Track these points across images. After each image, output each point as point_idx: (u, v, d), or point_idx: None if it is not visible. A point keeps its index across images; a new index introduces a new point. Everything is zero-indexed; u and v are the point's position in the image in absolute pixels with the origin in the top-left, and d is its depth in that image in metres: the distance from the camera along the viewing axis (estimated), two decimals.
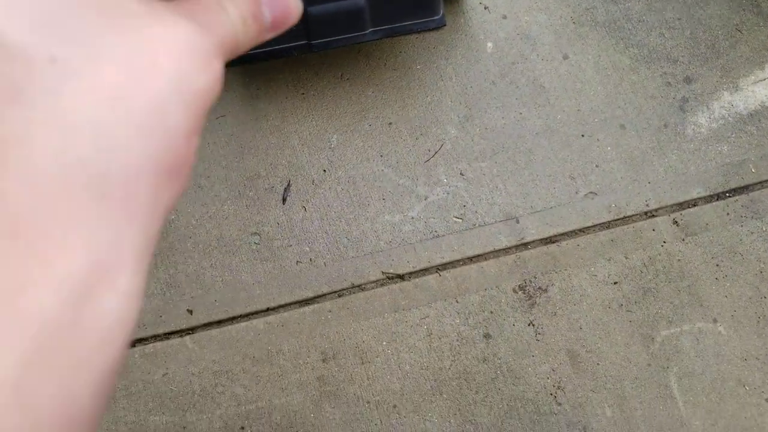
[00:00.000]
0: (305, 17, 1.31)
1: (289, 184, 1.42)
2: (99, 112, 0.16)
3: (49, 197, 0.14)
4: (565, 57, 1.50)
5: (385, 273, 1.35)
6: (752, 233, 1.37)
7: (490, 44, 1.52)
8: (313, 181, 1.42)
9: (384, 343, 1.30)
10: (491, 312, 1.32)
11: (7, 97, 0.15)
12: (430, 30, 1.40)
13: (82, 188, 0.15)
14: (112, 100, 0.16)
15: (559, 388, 1.27)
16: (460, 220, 1.40)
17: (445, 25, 1.39)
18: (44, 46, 0.15)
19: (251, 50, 1.35)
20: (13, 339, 0.13)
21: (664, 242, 1.36)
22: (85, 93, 0.15)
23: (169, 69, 0.17)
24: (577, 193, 1.41)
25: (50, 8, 0.15)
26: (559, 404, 1.26)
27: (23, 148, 0.14)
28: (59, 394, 0.14)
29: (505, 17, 1.54)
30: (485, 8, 1.54)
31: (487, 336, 1.30)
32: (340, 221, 1.40)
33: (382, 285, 1.35)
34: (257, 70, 1.52)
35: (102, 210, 0.15)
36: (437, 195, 1.41)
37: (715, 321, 1.31)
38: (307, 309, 1.32)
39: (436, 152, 1.44)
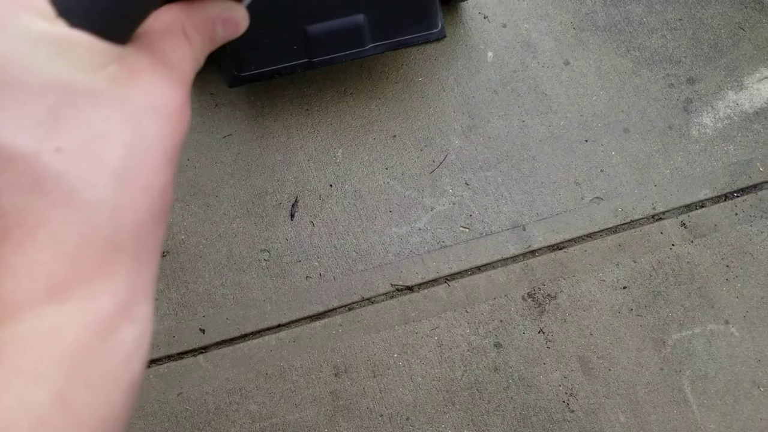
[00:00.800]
0: (304, 35, 1.33)
1: (296, 200, 1.44)
2: (106, 186, 0.19)
3: (76, 261, 0.18)
4: (567, 63, 1.50)
5: (395, 285, 1.36)
6: (762, 232, 1.36)
7: (490, 53, 1.52)
8: (320, 196, 1.44)
9: (395, 355, 1.31)
10: (501, 321, 1.32)
11: (28, 188, 0.18)
12: (430, 42, 1.41)
13: (100, 248, 0.19)
14: (116, 174, 0.19)
15: (571, 395, 1.27)
16: (467, 230, 1.40)
17: (445, 36, 1.40)
18: (49, 141, 0.18)
19: (255, 70, 1.38)
20: (56, 360, 0.18)
21: (673, 245, 1.36)
22: (92, 173, 0.19)
23: (156, 134, 0.20)
24: (582, 198, 1.41)
25: (45, 107, 0.18)
26: (572, 411, 1.26)
27: (49, 227, 0.18)
28: (95, 400, 0.18)
29: (504, 26, 1.54)
30: (485, 18, 1.55)
31: (497, 345, 1.31)
32: (348, 235, 1.41)
33: (391, 297, 1.36)
34: (261, 88, 1.54)
35: (118, 261, 0.19)
36: (443, 205, 1.42)
37: (727, 322, 1.31)
38: (318, 324, 1.33)
39: (440, 163, 1.45)
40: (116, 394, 0.19)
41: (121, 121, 0.19)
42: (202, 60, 0.24)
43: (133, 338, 0.20)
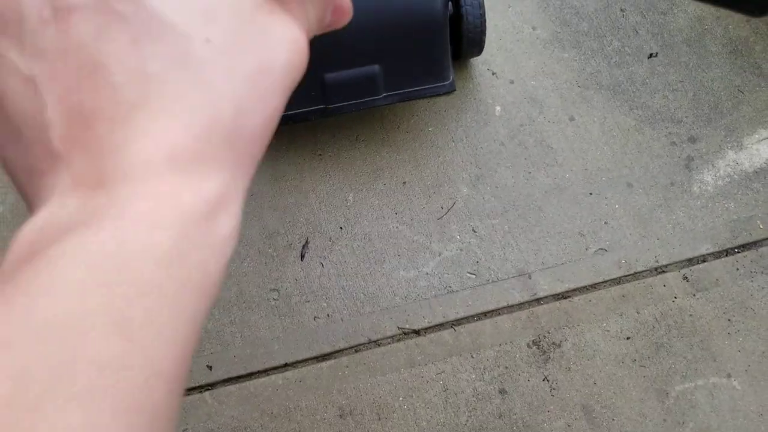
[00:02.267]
0: (322, 83, 1.39)
1: (307, 242, 1.47)
2: (239, 87, 0.22)
3: (198, 142, 0.20)
4: (572, 119, 1.56)
5: (401, 328, 1.38)
6: (763, 288, 1.39)
7: (498, 108, 1.58)
8: (330, 238, 1.47)
9: (400, 398, 1.32)
10: (506, 367, 1.34)
11: (175, 63, 0.20)
12: (440, 95, 1.47)
13: (219, 139, 0.21)
14: (250, 80, 0.22)
15: None
16: (474, 276, 1.43)
17: (454, 90, 1.46)
18: (201, 31, 0.21)
19: None
20: (171, 220, 0.19)
21: (675, 297, 1.39)
22: (229, 70, 0.21)
23: (287, 61, 0.24)
24: (587, 249, 1.44)
25: (207, 6, 0.21)
26: None
27: (185, 104, 0.20)
28: (200, 266, 0.20)
29: (512, 82, 1.61)
30: (493, 74, 1.62)
31: (502, 391, 1.31)
32: (357, 277, 1.43)
33: (398, 340, 1.37)
34: (276, 133, 1.58)
35: (228, 158, 0.21)
36: (451, 251, 1.45)
37: (729, 376, 1.32)
38: (325, 364, 1.35)
39: (449, 210, 1.49)
40: (215, 269, 0.21)
41: (263, 38, 0.23)
42: (309, 36, 0.26)
43: (229, 228, 0.21)
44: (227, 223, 0.21)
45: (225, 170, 0.21)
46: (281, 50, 0.23)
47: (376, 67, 1.41)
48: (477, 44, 1.53)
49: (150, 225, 0.19)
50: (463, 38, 1.50)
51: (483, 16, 1.46)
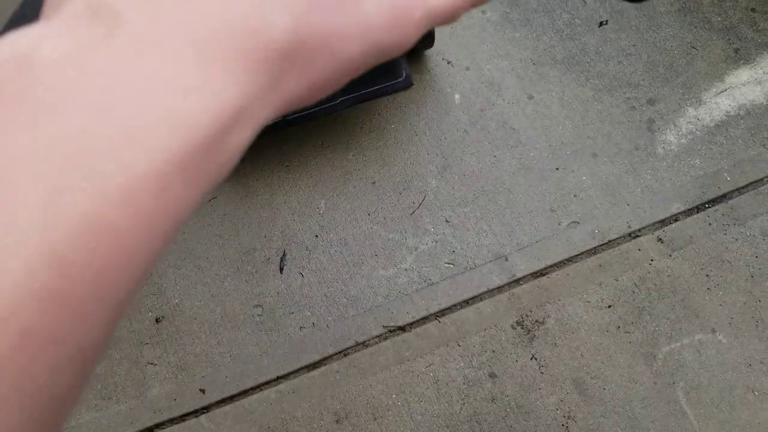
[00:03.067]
0: None
1: (284, 254, 1.48)
2: (288, 22, 0.20)
3: (214, 43, 0.19)
4: (530, 97, 1.57)
5: (386, 327, 1.39)
6: (737, 240, 1.40)
7: (457, 96, 1.59)
8: (307, 247, 1.48)
9: (393, 396, 1.33)
10: (493, 351, 1.35)
11: None
12: (398, 91, 1.48)
13: (250, 53, 0.19)
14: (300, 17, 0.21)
15: (569, 417, 1.28)
16: (452, 266, 1.44)
17: (412, 84, 1.47)
18: None
19: None
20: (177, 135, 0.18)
21: (652, 260, 1.40)
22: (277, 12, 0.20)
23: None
24: (559, 224, 1.45)
25: None
26: None
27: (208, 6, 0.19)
28: (216, 163, 0.20)
29: (468, 68, 1.62)
30: (448, 63, 1.63)
31: (492, 375, 1.33)
32: (337, 282, 1.44)
33: (384, 339, 1.38)
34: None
35: (253, 69, 0.20)
36: (427, 244, 1.46)
37: (713, 331, 1.33)
38: (316, 372, 1.36)
39: (420, 204, 1.50)
40: (217, 168, 0.20)
41: None
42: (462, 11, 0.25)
43: (240, 142, 0.21)
44: (241, 136, 0.21)
45: (252, 84, 0.20)
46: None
47: None
48: (427, 36, 1.54)
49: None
50: None
51: None
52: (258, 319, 1.42)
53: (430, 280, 1.43)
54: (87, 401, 1.34)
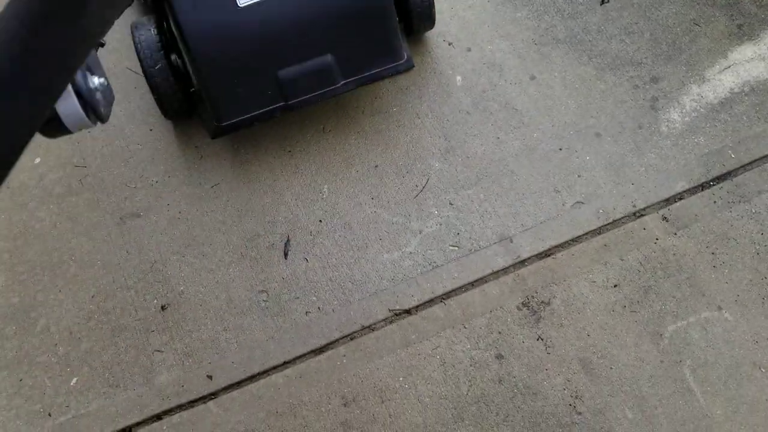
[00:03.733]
0: (276, 80, 1.39)
1: (288, 239, 1.47)
2: None
3: None
4: (533, 78, 1.56)
5: (392, 310, 1.39)
6: (742, 217, 1.40)
7: (459, 77, 1.58)
8: (311, 232, 1.48)
9: (400, 378, 1.33)
10: (500, 332, 1.35)
11: None
12: (400, 73, 1.47)
13: None
14: None
15: (576, 397, 1.28)
16: (456, 248, 1.44)
17: (413, 66, 1.46)
18: None
19: (235, 119, 1.43)
20: None
21: (657, 239, 1.39)
22: None
23: None
24: (564, 204, 1.45)
25: None
26: (579, 413, 1.27)
27: None
28: None
29: (469, 50, 1.60)
30: (449, 44, 1.61)
31: (499, 357, 1.33)
32: (342, 266, 1.44)
33: (390, 322, 1.38)
34: (244, 136, 1.59)
35: None
36: (431, 227, 1.46)
37: (719, 308, 1.33)
38: (323, 357, 1.36)
39: (423, 187, 1.50)
40: None
41: None
42: None
43: None
44: None
45: None
46: None
47: (329, 57, 1.41)
48: (427, 18, 1.52)
49: None
50: (412, 14, 1.49)
51: None
52: (263, 304, 1.42)
53: (434, 262, 1.42)
54: (95, 389, 1.34)
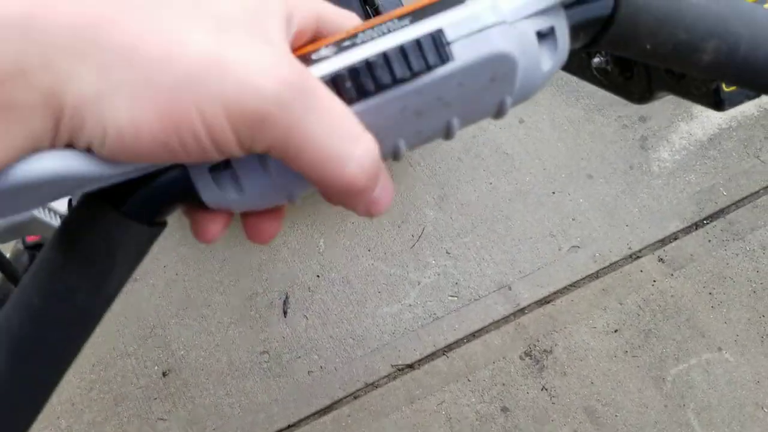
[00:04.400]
0: None
1: (287, 297, 1.47)
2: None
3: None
4: (521, 121, 1.57)
5: (395, 366, 1.39)
6: (737, 255, 1.41)
7: None
8: (309, 288, 1.47)
9: None
10: (504, 384, 1.35)
11: None
12: None
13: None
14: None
15: None
16: (456, 298, 1.44)
17: None
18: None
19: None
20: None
21: (654, 281, 1.40)
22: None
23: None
24: (560, 249, 1.45)
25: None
26: None
27: None
28: None
29: None
30: None
31: (504, 409, 1.33)
32: (342, 322, 1.44)
33: (394, 378, 1.38)
34: None
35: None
36: (429, 278, 1.46)
37: (720, 349, 1.34)
38: (327, 418, 1.35)
39: (419, 236, 1.50)
40: None
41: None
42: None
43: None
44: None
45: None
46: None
47: None
48: None
49: None
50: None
51: None
52: (265, 366, 1.41)
53: (435, 314, 1.42)
54: None
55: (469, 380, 1.36)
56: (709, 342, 1.35)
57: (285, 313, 1.46)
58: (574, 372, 1.35)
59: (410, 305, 1.44)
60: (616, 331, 1.37)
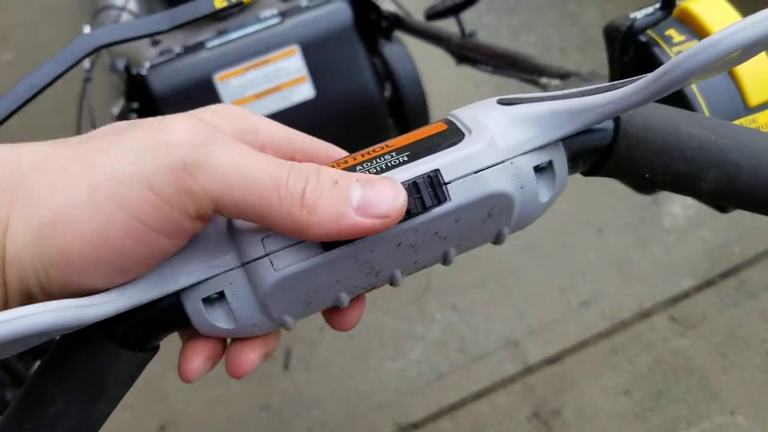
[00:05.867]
0: None
1: (288, 350, 1.44)
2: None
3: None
4: None
5: (399, 425, 1.35)
6: (750, 315, 1.38)
7: None
8: (311, 341, 1.44)
9: None
10: None
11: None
12: None
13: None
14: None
15: None
16: (462, 354, 1.40)
17: None
18: None
19: None
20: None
21: (666, 340, 1.37)
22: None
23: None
24: (569, 304, 1.42)
25: None
26: None
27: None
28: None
29: None
30: None
31: None
32: (345, 377, 1.40)
33: None
34: None
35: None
36: (435, 332, 1.43)
37: (732, 413, 1.30)
38: None
39: (424, 289, 1.47)
40: None
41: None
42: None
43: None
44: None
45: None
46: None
47: None
48: (422, 120, 1.51)
49: None
50: (408, 117, 1.47)
51: (422, 92, 1.44)
52: (265, 422, 1.37)
53: (440, 370, 1.39)
54: None
55: None
56: (722, 405, 1.31)
57: (286, 366, 1.42)
58: None
59: (415, 361, 1.41)
60: (626, 392, 1.33)
